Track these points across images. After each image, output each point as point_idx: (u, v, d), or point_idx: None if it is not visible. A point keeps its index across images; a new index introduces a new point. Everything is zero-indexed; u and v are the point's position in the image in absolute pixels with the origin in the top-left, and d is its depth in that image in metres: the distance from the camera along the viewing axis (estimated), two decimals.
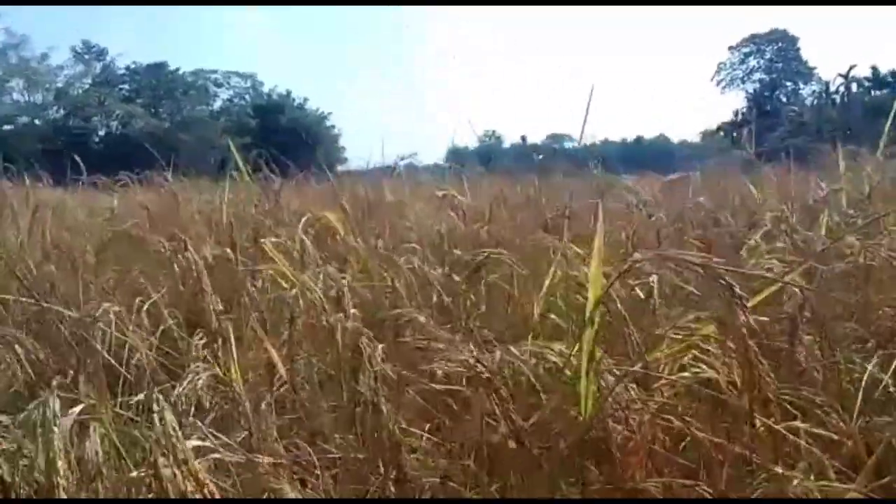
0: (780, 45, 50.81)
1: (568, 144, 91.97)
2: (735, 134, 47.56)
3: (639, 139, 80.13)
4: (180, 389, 1.08)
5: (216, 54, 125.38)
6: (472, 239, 2.33)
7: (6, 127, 48.66)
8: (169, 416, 0.81)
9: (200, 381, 1.10)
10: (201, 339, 1.41)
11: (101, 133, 51.54)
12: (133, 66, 54.64)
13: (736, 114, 51.03)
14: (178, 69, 55.02)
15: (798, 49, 51.08)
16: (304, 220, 2.14)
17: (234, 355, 1.23)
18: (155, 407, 0.82)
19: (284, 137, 53.52)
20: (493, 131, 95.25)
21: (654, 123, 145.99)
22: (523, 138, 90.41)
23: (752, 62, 52.66)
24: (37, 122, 51.03)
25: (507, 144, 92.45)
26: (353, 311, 1.29)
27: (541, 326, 1.50)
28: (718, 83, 53.54)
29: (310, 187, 4.18)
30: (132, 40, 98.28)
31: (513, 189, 3.83)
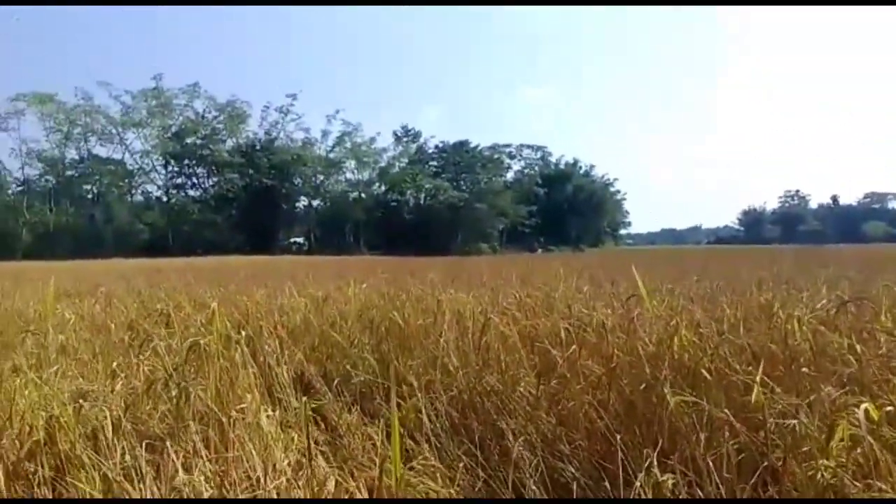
0: None
1: (893, 205, 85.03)
2: None
3: None
4: None
5: (510, 130, 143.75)
6: None
7: (339, 199, 56.72)
8: None
9: None
10: None
11: (411, 204, 57.86)
12: (441, 144, 61.24)
13: None
14: (477, 145, 60.60)
15: None
16: None
17: None
18: None
19: (570, 204, 60.29)
20: (797, 191, 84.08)
21: None
22: (834, 199, 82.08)
23: None
24: (363, 195, 57.99)
25: (813, 205, 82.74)
26: None
27: None
28: None
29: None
30: (441, 121, 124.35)
31: None
